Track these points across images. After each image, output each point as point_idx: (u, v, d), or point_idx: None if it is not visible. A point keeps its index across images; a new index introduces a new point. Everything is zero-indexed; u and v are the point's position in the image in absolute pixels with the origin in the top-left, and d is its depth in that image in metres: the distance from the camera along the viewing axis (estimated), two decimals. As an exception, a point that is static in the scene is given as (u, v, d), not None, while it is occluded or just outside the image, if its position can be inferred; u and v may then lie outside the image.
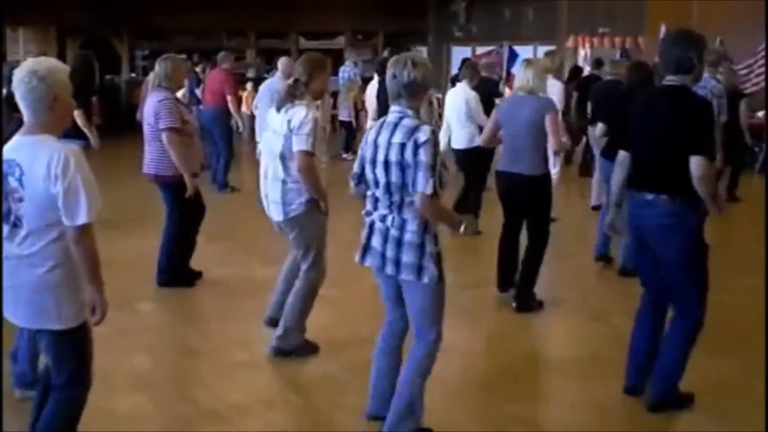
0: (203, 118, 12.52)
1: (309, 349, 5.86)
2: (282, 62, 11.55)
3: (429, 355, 4.45)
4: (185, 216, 7.39)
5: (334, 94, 16.11)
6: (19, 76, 3.69)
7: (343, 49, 20.38)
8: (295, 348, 5.80)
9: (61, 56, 16.56)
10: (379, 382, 4.72)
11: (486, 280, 7.35)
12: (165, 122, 7.06)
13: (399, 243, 4.28)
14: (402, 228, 4.27)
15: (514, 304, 6.87)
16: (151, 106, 7.22)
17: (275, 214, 5.72)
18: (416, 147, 4.11)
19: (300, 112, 5.46)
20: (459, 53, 19.89)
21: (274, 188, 5.67)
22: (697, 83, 4.97)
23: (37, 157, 3.64)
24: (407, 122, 4.21)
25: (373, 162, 4.32)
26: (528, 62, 6.98)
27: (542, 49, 18.25)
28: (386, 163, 4.23)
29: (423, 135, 4.12)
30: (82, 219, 3.63)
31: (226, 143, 12.61)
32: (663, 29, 14.61)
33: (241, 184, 12.42)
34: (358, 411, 4.85)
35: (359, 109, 16.21)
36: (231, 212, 10.60)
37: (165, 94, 7.19)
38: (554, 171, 7.76)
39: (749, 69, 15.25)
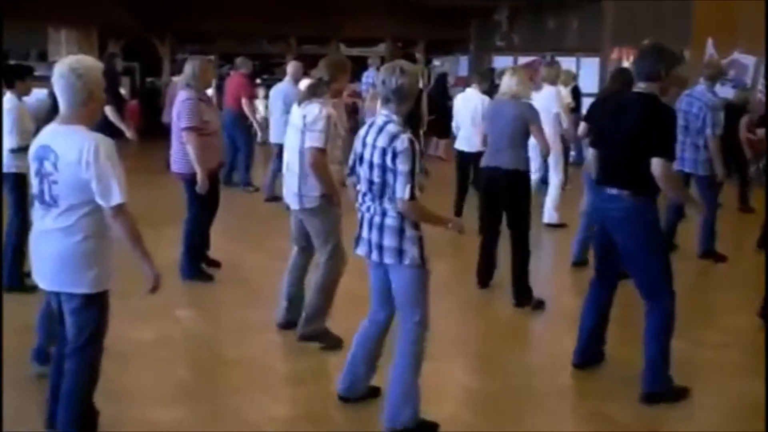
0: (223, 120, 12.58)
1: (332, 340, 6.02)
2: (291, 66, 12.05)
3: (415, 341, 4.65)
4: (202, 212, 7.78)
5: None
6: (59, 71, 4.11)
7: (384, 57, 20.33)
8: (319, 334, 6.02)
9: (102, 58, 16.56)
10: (353, 367, 5.06)
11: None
12: (185, 122, 7.43)
13: (381, 228, 4.60)
14: (383, 214, 4.58)
15: (513, 302, 7.21)
16: (176, 106, 7.61)
17: (293, 203, 6.06)
18: (394, 155, 4.44)
19: (314, 109, 5.79)
20: (500, 63, 19.70)
21: (292, 180, 5.99)
22: (665, 94, 5.33)
23: (71, 145, 4.07)
24: (390, 128, 4.52)
25: (361, 159, 4.67)
26: (513, 70, 7.61)
27: (585, 61, 18.13)
28: (370, 163, 4.57)
29: (401, 144, 4.43)
30: (116, 199, 4.07)
31: (246, 144, 13.15)
32: (709, 42, 14.41)
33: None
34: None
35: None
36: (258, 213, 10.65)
37: (189, 94, 7.55)
38: (534, 172, 8.41)
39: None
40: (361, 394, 5.08)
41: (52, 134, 4.19)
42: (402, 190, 4.44)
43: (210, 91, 8.80)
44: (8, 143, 6.95)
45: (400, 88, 4.53)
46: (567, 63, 17.94)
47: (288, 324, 6.34)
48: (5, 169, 6.99)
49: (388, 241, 4.58)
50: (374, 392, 5.11)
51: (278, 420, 4.98)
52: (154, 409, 5.05)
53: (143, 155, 15.34)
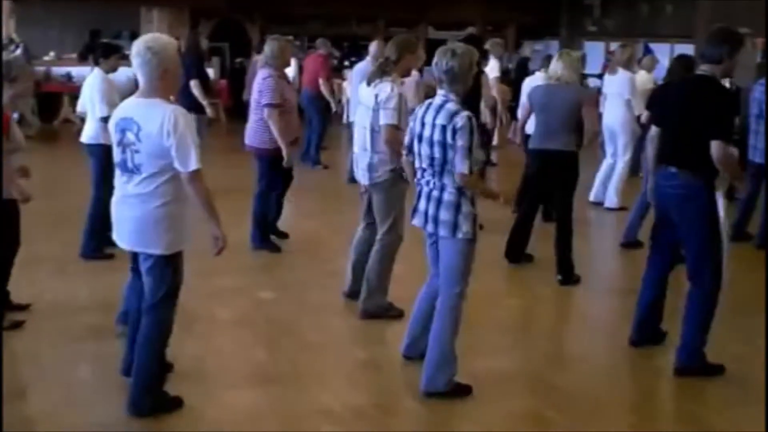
0: (301, 99, 12.76)
1: (395, 311, 6.28)
2: (373, 45, 11.96)
3: (453, 308, 4.95)
4: (272, 186, 8.07)
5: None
6: (136, 49, 4.39)
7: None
8: (381, 309, 6.28)
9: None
10: (413, 326, 5.38)
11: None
12: (266, 99, 7.69)
13: (439, 202, 4.88)
14: (442, 189, 4.87)
15: (559, 277, 7.39)
16: (257, 84, 7.88)
17: (363, 179, 6.26)
18: (454, 131, 4.72)
19: (386, 88, 6.00)
20: (592, 49, 19.36)
21: (363, 157, 6.21)
22: (727, 76, 5.49)
23: (152, 117, 4.36)
24: (449, 106, 4.81)
25: (420, 138, 4.91)
26: (559, 55, 7.68)
27: (678, 48, 17.67)
28: (431, 141, 4.83)
29: (460, 120, 4.71)
30: (193, 165, 4.35)
31: (320, 123, 13.33)
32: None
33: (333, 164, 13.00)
34: (480, 424, 4.75)
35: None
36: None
37: (270, 72, 7.81)
38: None
39: None
40: (420, 353, 5.20)
41: (133, 107, 4.49)
42: (461, 165, 4.73)
43: (291, 71, 8.86)
44: (99, 112, 7.35)
45: (451, 70, 4.81)
46: (660, 49, 17.58)
47: (353, 293, 6.55)
48: (92, 141, 7.35)
49: (445, 214, 4.86)
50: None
51: (351, 407, 4.94)
52: (230, 391, 5.07)
53: (230, 134, 15.50)
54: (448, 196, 4.85)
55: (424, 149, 4.90)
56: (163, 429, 4.64)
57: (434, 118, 4.83)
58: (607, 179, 10.56)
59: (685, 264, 5.57)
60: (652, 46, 18.32)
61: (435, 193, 4.91)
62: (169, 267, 4.58)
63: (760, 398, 5.07)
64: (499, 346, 5.88)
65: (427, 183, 4.97)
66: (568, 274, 7.42)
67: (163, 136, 4.32)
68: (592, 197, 10.56)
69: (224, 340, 5.91)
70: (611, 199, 10.43)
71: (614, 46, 19.48)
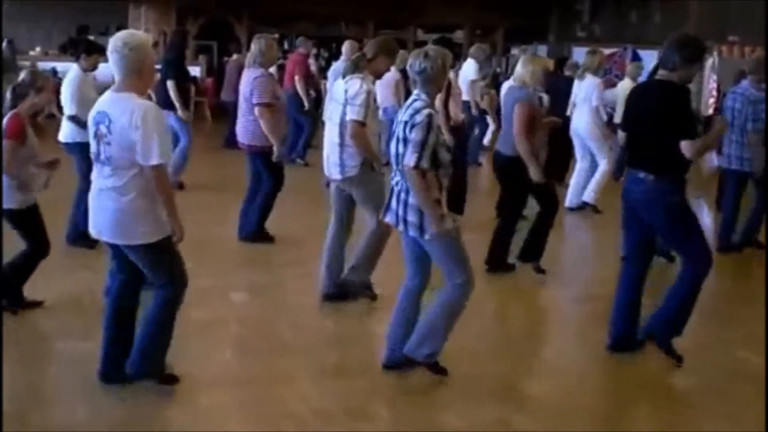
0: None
1: (371, 293, 6.56)
2: (346, 45, 12.15)
3: (456, 295, 5.05)
4: (278, 179, 8.19)
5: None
6: (112, 45, 4.46)
7: (462, 44, 20.13)
8: (360, 285, 6.50)
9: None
10: (392, 334, 5.34)
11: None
12: (258, 98, 7.76)
13: (405, 204, 4.95)
14: (408, 192, 4.91)
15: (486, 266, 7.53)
16: (248, 83, 7.90)
17: (334, 173, 6.32)
18: (412, 126, 4.78)
19: (355, 84, 6.07)
20: (580, 54, 19.32)
21: (333, 151, 6.27)
22: (685, 83, 5.45)
23: (123, 110, 4.45)
24: (416, 104, 4.89)
25: (393, 136, 4.99)
26: (525, 57, 7.65)
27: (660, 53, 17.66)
28: (397, 138, 4.92)
29: (419, 116, 4.78)
30: (154, 160, 4.43)
31: (308, 120, 13.51)
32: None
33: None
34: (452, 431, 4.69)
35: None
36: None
37: (261, 71, 7.89)
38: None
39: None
40: (400, 360, 5.25)
41: (107, 101, 4.57)
42: (408, 157, 4.77)
43: (272, 69, 8.87)
44: (67, 110, 7.40)
45: (424, 71, 4.92)
46: (648, 56, 17.56)
47: (329, 295, 6.57)
48: (69, 139, 7.36)
49: (411, 217, 4.93)
50: (410, 362, 5.24)
51: (320, 412, 4.87)
52: (198, 393, 5.00)
53: (215, 132, 15.46)
54: (413, 199, 4.90)
55: (394, 147, 4.99)
56: (132, 430, 4.58)
57: (402, 116, 4.95)
58: (579, 184, 10.57)
59: (661, 257, 5.79)
60: (641, 52, 18.29)
61: (402, 195, 4.99)
62: (155, 250, 4.67)
63: (740, 411, 5.05)
64: (473, 352, 5.81)
65: (397, 183, 5.06)
66: (496, 263, 7.55)
67: (131, 129, 4.41)
68: (567, 203, 10.53)
69: (195, 341, 5.82)
70: (589, 194, 10.48)
71: (603, 52, 19.62)
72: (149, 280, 4.93)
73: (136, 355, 4.85)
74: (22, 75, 6.11)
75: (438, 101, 8.37)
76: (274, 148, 7.89)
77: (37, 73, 6.31)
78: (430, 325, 5.12)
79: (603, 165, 10.30)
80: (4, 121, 5.80)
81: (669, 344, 5.67)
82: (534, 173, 7.10)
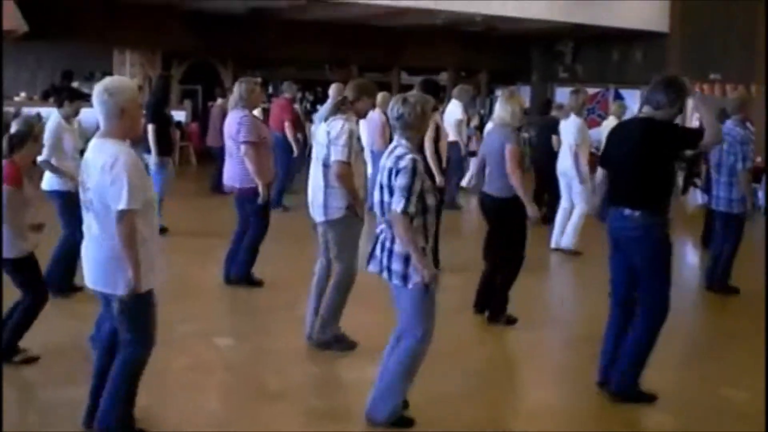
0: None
1: (346, 344, 6.48)
2: (333, 88, 12.09)
3: (414, 349, 4.95)
4: (265, 222, 8.17)
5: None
6: (95, 91, 4.49)
7: (446, 86, 20.25)
8: (333, 339, 6.44)
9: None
10: (378, 380, 5.16)
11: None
12: (244, 136, 7.81)
13: (390, 253, 4.89)
14: (393, 240, 4.87)
15: (486, 315, 7.43)
16: (234, 124, 7.94)
17: (317, 215, 6.38)
18: (396, 172, 4.75)
19: (337, 125, 6.14)
20: (563, 95, 19.50)
21: (317, 193, 6.33)
22: (669, 121, 5.54)
23: (100, 155, 4.46)
24: (398, 150, 4.87)
25: (376, 183, 4.98)
26: (503, 96, 7.53)
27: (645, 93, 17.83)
28: (381, 185, 4.90)
29: (403, 162, 4.76)
30: (122, 205, 4.35)
31: (285, 166, 13.42)
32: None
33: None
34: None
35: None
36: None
37: (245, 112, 7.97)
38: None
39: None
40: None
41: (91, 147, 4.58)
42: (396, 203, 4.73)
43: (256, 114, 8.89)
44: (44, 155, 7.34)
45: (401, 117, 4.89)
46: (630, 96, 17.72)
47: (314, 338, 6.54)
48: (47, 187, 7.41)
49: (396, 265, 4.87)
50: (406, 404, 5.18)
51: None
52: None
53: (199, 177, 15.44)
54: (398, 247, 4.85)
55: (377, 195, 4.96)
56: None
57: (385, 163, 4.92)
58: (563, 224, 10.60)
59: None
60: (623, 92, 18.46)
61: (387, 244, 4.94)
62: (136, 308, 4.59)
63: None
64: (457, 395, 5.77)
65: (381, 231, 5.00)
66: (495, 313, 7.37)
67: (105, 173, 4.40)
68: (552, 244, 10.57)
69: (178, 388, 5.78)
70: (567, 240, 10.48)
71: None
72: None
73: (101, 410, 4.73)
74: (16, 124, 6.17)
75: (428, 142, 8.48)
76: (259, 189, 7.88)
77: (32, 124, 6.40)
78: (387, 384, 5.05)
79: (580, 208, 10.35)
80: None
81: (629, 391, 5.64)
82: (531, 211, 7.19)
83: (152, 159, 10.37)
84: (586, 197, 10.14)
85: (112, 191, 4.37)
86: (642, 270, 5.57)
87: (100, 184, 4.42)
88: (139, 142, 4.54)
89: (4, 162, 5.89)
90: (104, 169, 4.39)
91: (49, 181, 7.57)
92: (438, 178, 8.39)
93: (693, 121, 16.69)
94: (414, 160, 4.77)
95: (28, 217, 5.96)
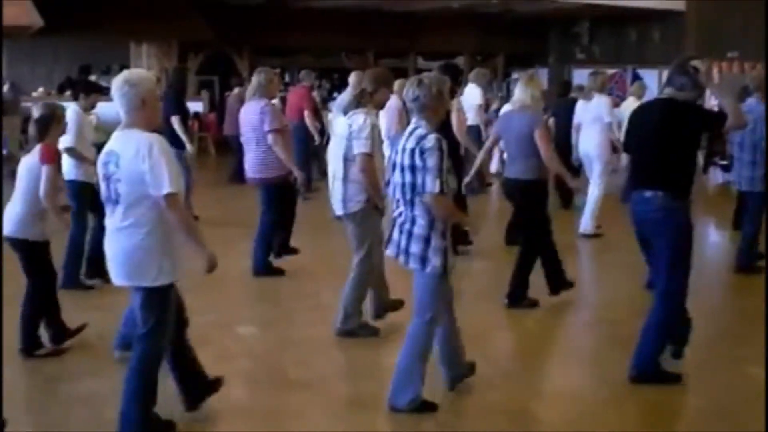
0: None
1: (369, 330, 6.55)
2: (353, 76, 12.10)
3: (423, 334, 5.00)
4: (279, 211, 8.22)
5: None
6: (115, 84, 4.51)
7: (463, 70, 20.18)
8: (356, 329, 6.48)
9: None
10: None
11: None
12: (269, 125, 7.80)
13: (409, 235, 4.90)
14: (413, 222, 4.88)
15: (505, 302, 7.32)
16: (255, 113, 7.91)
17: (338, 209, 6.39)
18: (422, 152, 4.72)
19: (359, 118, 6.14)
20: (580, 76, 19.38)
21: (337, 186, 6.33)
22: (694, 100, 5.56)
23: (129, 144, 4.45)
24: (418, 132, 4.85)
25: (395, 165, 4.96)
26: (520, 78, 7.63)
27: (667, 74, 17.68)
28: (402, 166, 4.86)
29: (428, 142, 4.73)
30: (166, 188, 4.37)
31: (300, 156, 13.15)
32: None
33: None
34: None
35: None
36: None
37: (265, 101, 7.96)
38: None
39: None
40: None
41: (114, 139, 4.57)
42: (431, 184, 4.71)
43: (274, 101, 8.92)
44: (66, 142, 7.31)
45: (417, 99, 4.89)
46: (648, 76, 17.58)
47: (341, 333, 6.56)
48: (68, 177, 7.38)
49: (414, 247, 4.88)
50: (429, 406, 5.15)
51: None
52: (207, 430, 4.97)
53: (219, 167, 15.46)
54: (418, 230, 4.86)
55: (398, 176, 4.93)
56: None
57: (404, 144, 4.89)
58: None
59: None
60: (641, 72, 18.32)
61: (406, 226, 4.93)
62: (161, 298, 4.58)
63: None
64: (484, 379, 5.76)
65: (400, 214, 4.98)
66: (515, 298, 7.29)
67: (138, 160, 4.39)
68: (581, 229, 10.50)
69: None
70: (585, 225, 10.41)
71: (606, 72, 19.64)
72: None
73: (121, 411, 4.65)
74: (37, 110, 6.23)
75: (455, 121, 8.60)
76: (295, 172, 7.98)
77: (52, 105, 6.45)
78: (405, 371, 5.05)
79: (596, 190, 10.31)
80: (37, 151, 5.97)
81: (653, 374, 5.58)
82: (571, 182, 7.54)
83: (187, 149, 10.50)
84: (605, 180, 10.09)
85: (151, 178, 4.37)
86: (661, 253, 5.51)
87: (135, 172, 4.40)
88: (159, 134, 4.54)
89: (40, 145, 5.99)
90: (138, 157, 4.38)
91: (66, 170, 7.50)
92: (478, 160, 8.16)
93: (711, 102, 16.54)
94: (438, 139, 4.76)
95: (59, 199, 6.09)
